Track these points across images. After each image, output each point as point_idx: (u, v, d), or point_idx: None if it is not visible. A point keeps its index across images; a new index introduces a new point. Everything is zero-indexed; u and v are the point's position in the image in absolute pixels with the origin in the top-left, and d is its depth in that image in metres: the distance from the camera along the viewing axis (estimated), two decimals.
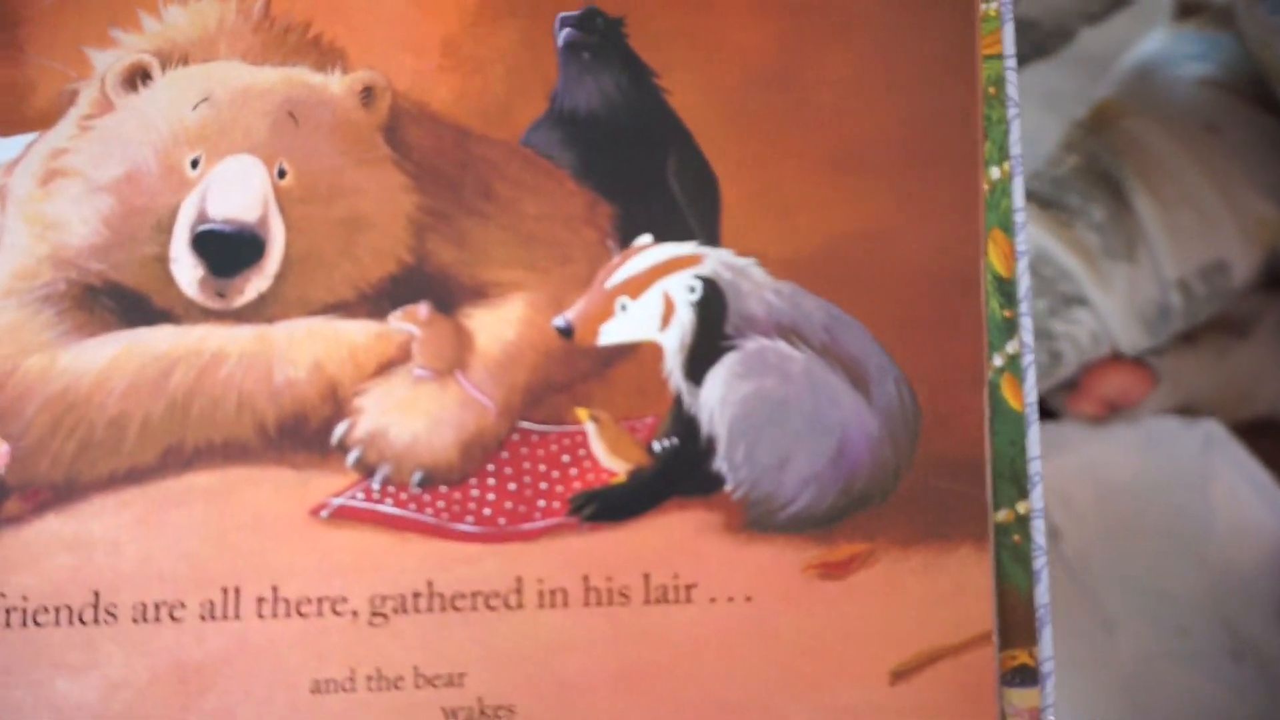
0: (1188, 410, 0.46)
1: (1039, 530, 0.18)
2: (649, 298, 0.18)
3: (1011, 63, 0.18)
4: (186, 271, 0.18)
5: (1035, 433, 0.18)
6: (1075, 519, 0.47)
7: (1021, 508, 0.18)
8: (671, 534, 0.18)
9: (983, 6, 0.18)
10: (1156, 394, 0.43)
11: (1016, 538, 0.18)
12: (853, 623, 0.18)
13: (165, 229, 0.18)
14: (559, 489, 0.18)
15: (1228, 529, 0.46)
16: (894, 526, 0.18)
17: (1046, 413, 0.47)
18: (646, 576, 0.18)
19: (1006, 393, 0.18)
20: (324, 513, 0.18)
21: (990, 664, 0.18)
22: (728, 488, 0.18)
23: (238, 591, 0.18)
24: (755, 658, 0.18)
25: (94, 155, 0.19)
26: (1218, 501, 0.46)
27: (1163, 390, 0.43)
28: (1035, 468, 0.18)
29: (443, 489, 0.18)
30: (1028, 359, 0.18)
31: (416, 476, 0.18)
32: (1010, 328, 0.18)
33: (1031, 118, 0.53)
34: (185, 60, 0.19)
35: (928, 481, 0.18)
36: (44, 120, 0.19)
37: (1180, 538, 0.47)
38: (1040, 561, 0.18)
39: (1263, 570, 0.45)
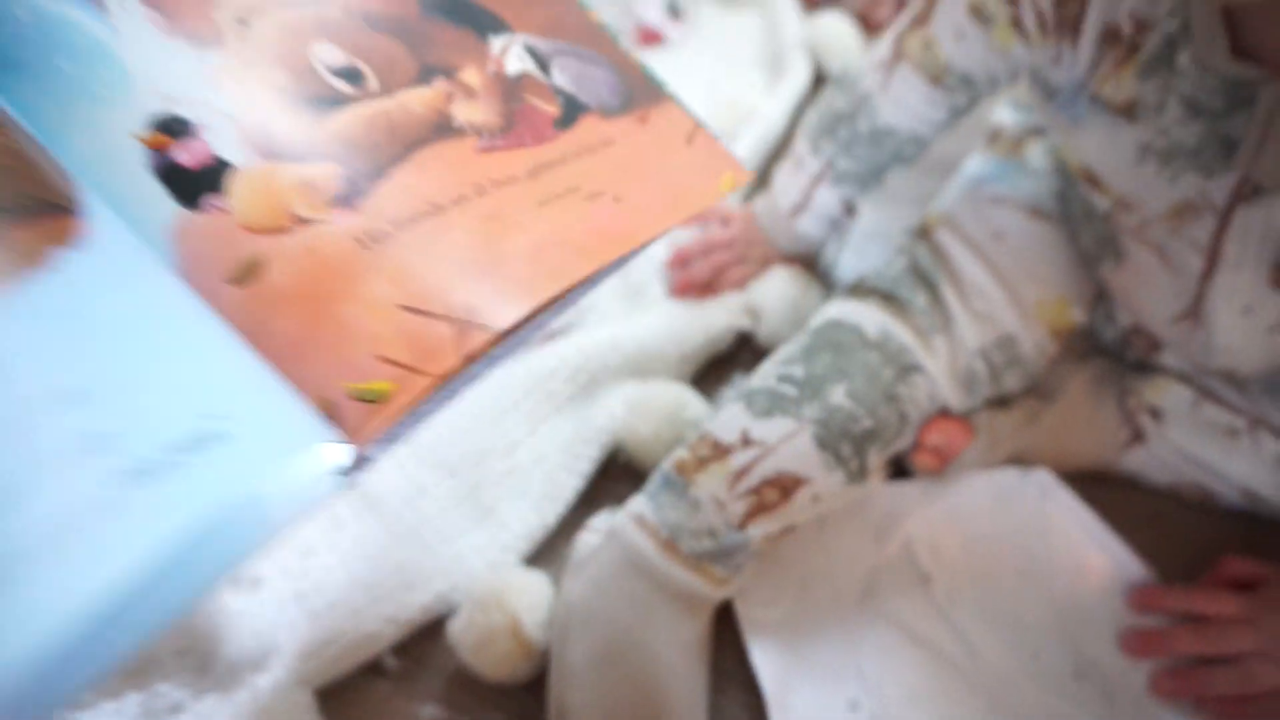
0: (1020, 462, 0.70)
1: None
2: None
3: None
4: None
5: None
6: (944, 566, 0.68)
7: None
8: None
9: None
10: (977, 446, 0.67)
11: None
12: None
13: None
14: None
15: (1067, 567, 0.68)
16: None
17: (902, 472, 0.71)
18: None
19: None
20: None
21: None
22: None
23: None
24: None
25: None
26: (1056, 543, 0.69)
27: (982, 443, 0.67)
28: None
29: None
30: None
31: None
32: None
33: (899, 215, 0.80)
34: None
35: None
36: None
37: (1031, 576, 0.68)
38: None
39: (1100, 601, 0.67)
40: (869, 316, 0.65)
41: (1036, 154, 0.72)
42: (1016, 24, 0.56)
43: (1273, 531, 0.67)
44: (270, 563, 0.71)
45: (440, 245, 0.35)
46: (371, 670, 0.65)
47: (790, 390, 0.62)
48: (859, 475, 0.62)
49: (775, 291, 0.79)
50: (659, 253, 0.88)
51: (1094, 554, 0.67)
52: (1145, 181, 0.55)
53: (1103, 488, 0.69)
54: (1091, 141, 0.57)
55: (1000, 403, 0.68)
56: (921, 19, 0.64)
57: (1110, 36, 0.51)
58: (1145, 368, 0.71)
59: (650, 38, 1.16)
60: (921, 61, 0.64)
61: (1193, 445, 0.66)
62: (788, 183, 0.79)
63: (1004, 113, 0.78)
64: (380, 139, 0.38)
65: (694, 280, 0.83)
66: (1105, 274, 0.67)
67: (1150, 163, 0.53)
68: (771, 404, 0.61)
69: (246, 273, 0.32)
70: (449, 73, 0.41)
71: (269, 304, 0.32)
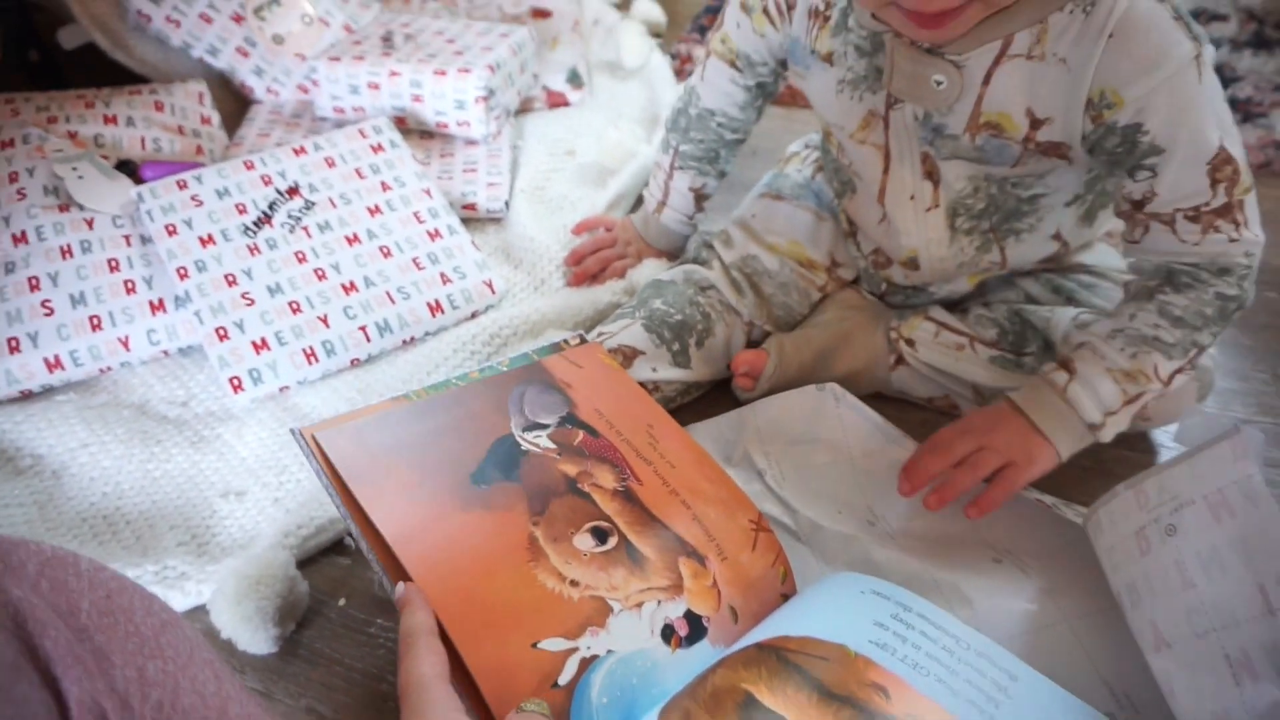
0: (814, 378, 0.95)
1: None
2: None
3: None
4: None
5: None
6: (772, 461, 0.92)
7: None
8: None
9: None
10: (772, 361, 0.92)
11: None
12: None
13: None
14: None
15: (861, 451, 0.92)
16: None
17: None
18: None
19: None
20: None
21: None
22: None
23: None
24: None
25: None
26: (851, 434, 0.93)
27: (774, 359, 0.92)
28: None
29: None
30: None
31: None
32: None
33: None
34: None
35: None
36: None
37: (837, 459, 0.93)
38: None
39: (886, 473, 0.91)
40: (678, 272, 0.99)
41: (794, 166, 1.09)
42: (765, 11, 0.89)
43: None
44: (252, 480, 0.92)
45: None
46: (335, 549, 0.86)
47: (629, 308, 0.97)
48: (682, 357, 0.93)
49: (648, 276, 1.05)
50: (558, 254, 1.14)
51: (877, 439, 0.92)
52: (843, 106, 0.85)
53: (884, 406, 0.94)
54: (815, 84, 0.87)
55: (790, 329, 0.95)
56: (720, 24, 0.97)
57: (813, 13, 0.84)
58: (902, 309, 0.98)
59: (558, 101, 1.45)
60: (722, 53, 0.97)
61: (936, 360, 0.93)
62: (652, 185, 1.07)
63: (791, 146, 1.13)
64: None
65: (586, 272, 1.10)
66: (846, 205, 0.98)
67: (845, 91, 0.84)
68: (618, 315, 0.96)
69: None
70: None
71: None
